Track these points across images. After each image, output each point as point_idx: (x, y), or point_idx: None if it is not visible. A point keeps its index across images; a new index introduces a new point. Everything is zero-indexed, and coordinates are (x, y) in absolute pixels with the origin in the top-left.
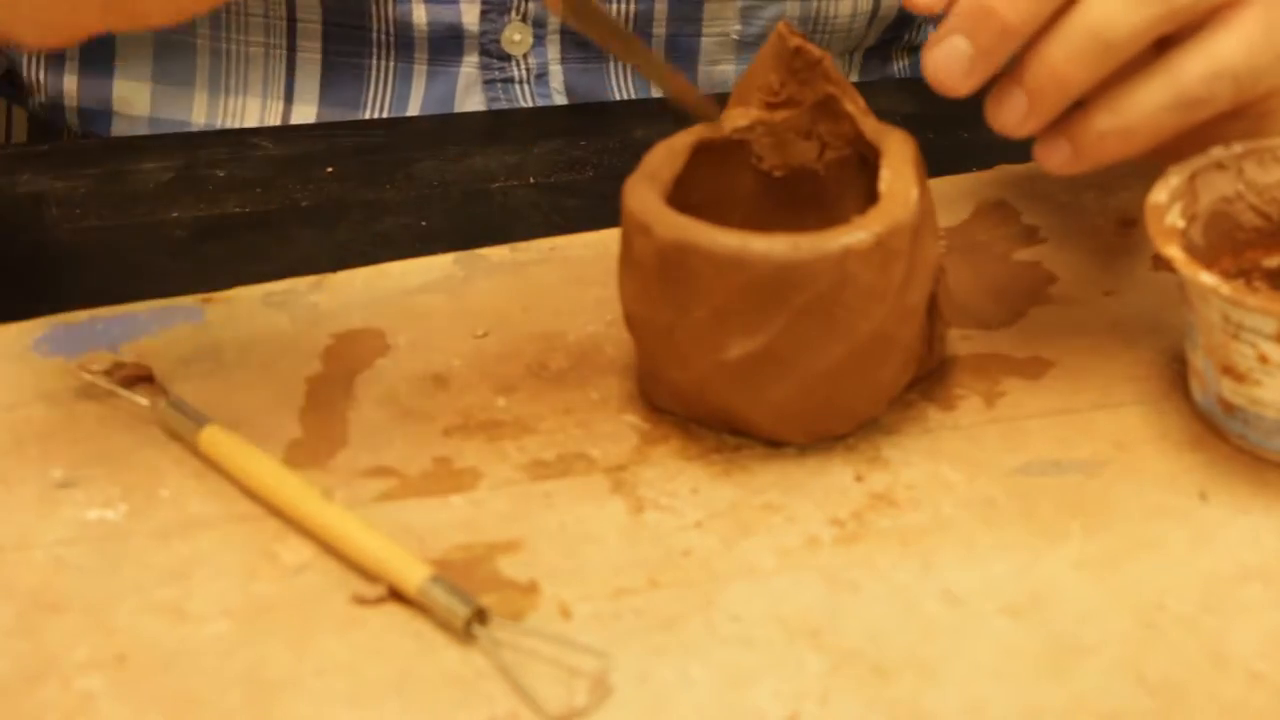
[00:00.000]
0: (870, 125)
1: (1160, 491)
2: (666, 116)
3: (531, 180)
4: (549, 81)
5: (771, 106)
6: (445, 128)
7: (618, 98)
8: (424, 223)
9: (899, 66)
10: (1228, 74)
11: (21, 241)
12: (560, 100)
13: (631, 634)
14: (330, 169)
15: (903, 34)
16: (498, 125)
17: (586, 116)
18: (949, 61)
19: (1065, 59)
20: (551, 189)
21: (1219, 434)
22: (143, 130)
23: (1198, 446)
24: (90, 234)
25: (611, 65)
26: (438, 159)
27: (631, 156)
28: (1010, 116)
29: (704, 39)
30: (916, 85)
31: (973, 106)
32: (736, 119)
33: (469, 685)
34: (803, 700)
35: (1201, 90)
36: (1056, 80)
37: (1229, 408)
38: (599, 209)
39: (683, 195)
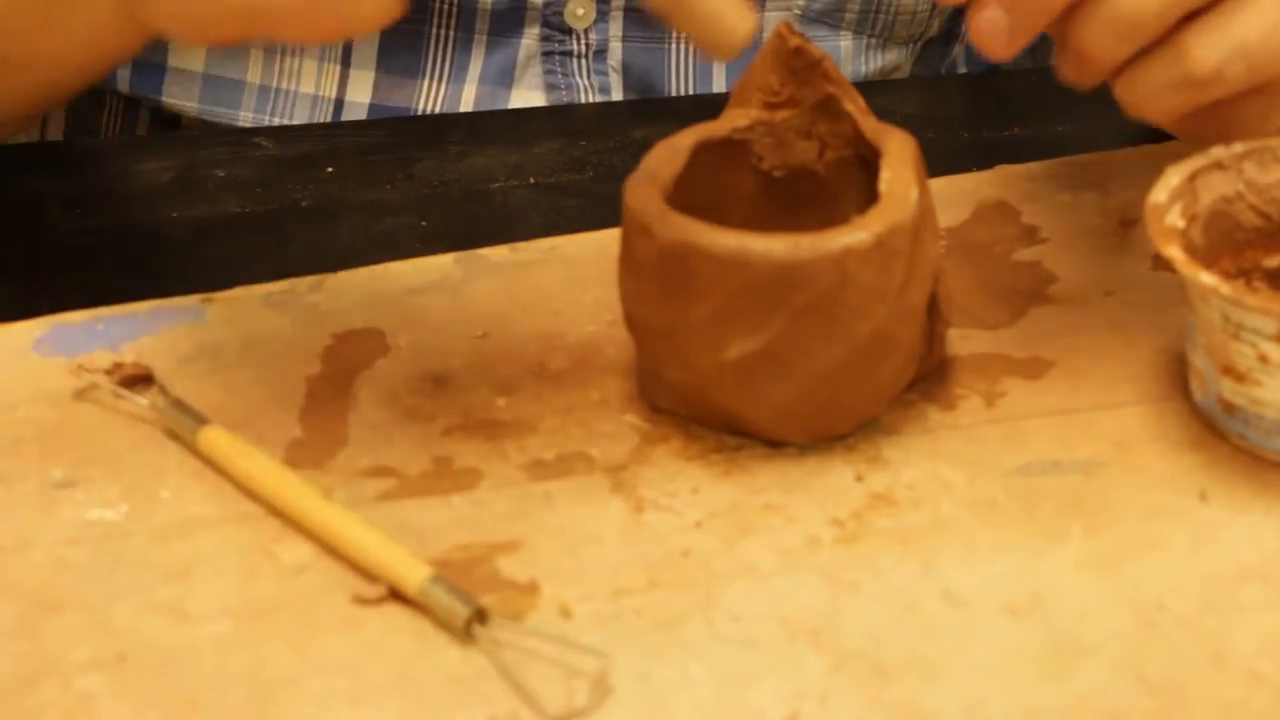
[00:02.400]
0: (870, 125)
1: (1160, 491)
2: (666, 117)
3: (531, 180)
4: (607, 59)
5: (771, 106)
6: (445, 127)
7: (674, 81)
8: (424, 223)
9: (955, 58)
10: (1240, 54)
11: (21, 241)
12: (615, 79)
13: (631, 634)
14: (330, 169)
15: (962, 24)
16: (498, 125)
17: (586, 116)
18: (990, 29)
19: (1096, 36)
20: (551, 189)
21: (1219, 434)
22: (195, 89)
23: (1198, 447)
24: (90, 234)
25: (672, 47)
26: (438, 159)
27: (631, 156)
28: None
29: (767, 13)
30: (917, 85)
31: (972, 106)
32: (737, 119)
33: (469, 685)
34: (803, 700)
35: (1212, 70)
36: (1086, 57)
37: (1229, 408)
38: (599, 209)
39: (683, 195)
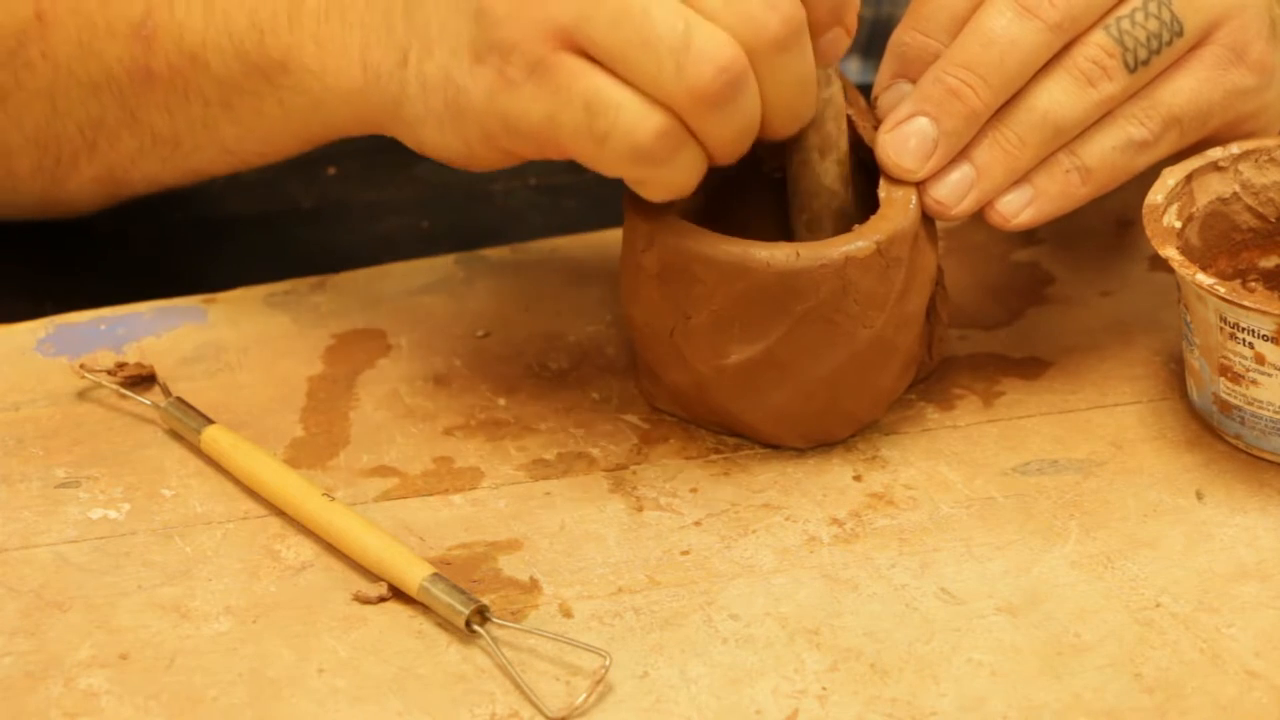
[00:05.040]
0: (870, 130)
1: (1157, 491)
2: None
3: (532, 181)
4: None
5: None
6: None
7: None
8: (425, 223)
9: None
10: (1171, 120)
11: (25, 242)
12: None
13: (631, 632)
14: (332, 170)
15: None
16: None
17: None
18: (915, 143)
19: (1018, 141)
20: (551, 189)
21: (1216, 434)
22: None
23: (1194, 446)
24: (93, 235)
25: None
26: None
27: None
28: (954, 192)
29: None
30: None
31: None
32: None
33: (470, 683)
34: (802, 698)
35: (1147, 135)
36: (1007, 159)
37: (1226, 407)
38: (599, 209)
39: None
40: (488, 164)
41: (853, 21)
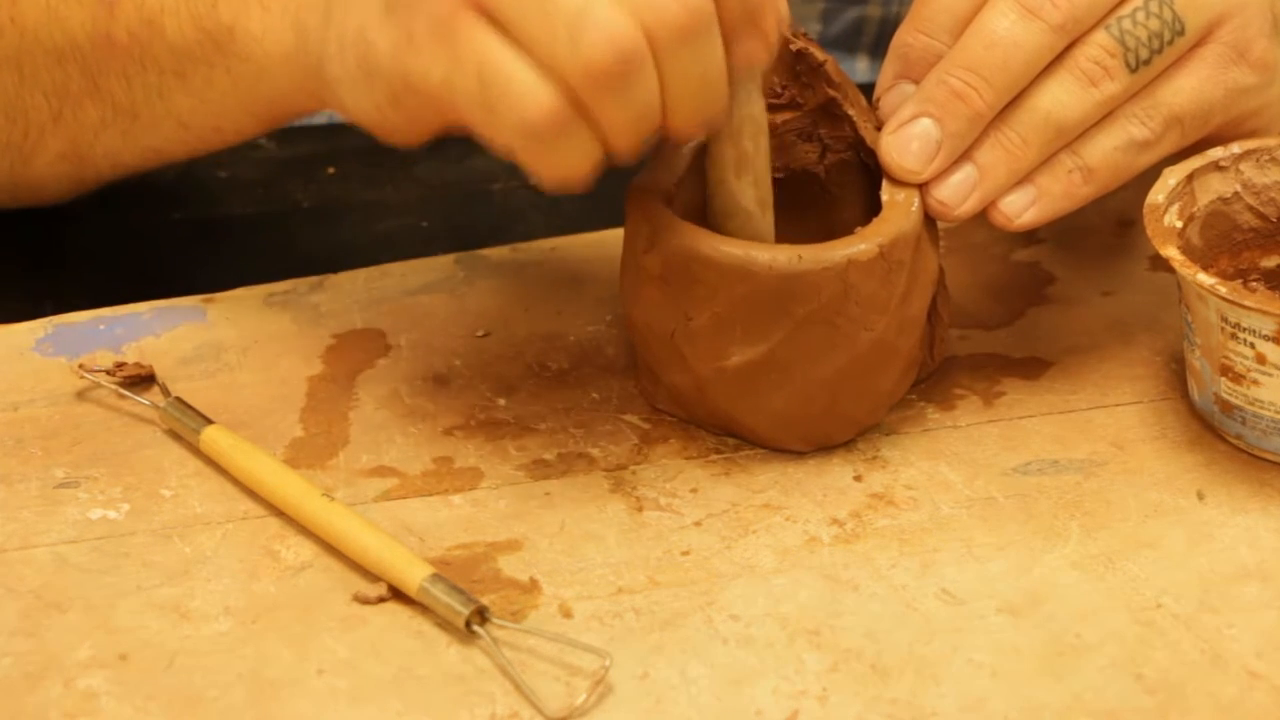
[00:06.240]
0: (871, 130)
1: (1158, 491)
2: None
3: (532, 181)
4: None
5: (773, 108)
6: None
7: None
8: (425, 223)
9: None
10: (1173, 119)
11: (25, 242)
12: None
13: (631, 633)
14: (331, 169)
15: None
16: None
17: None
18: (918, 145)
19: (1020, 141)
20: None
21: (1217, 434)
22: None
23: (1195, 446)
24: (93, 235)
25: None
26: (438, 159)
27: None
28: (957, 193)
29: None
30: None
31: None
32: None
33: (470, 684)
34: (802, 698)
35: (1149, 134)
36: (1010, 160)
37: (1227, 407)
38: (599, 209)
39: (685, 196)
40: (402, 131)
41: (771, 32)
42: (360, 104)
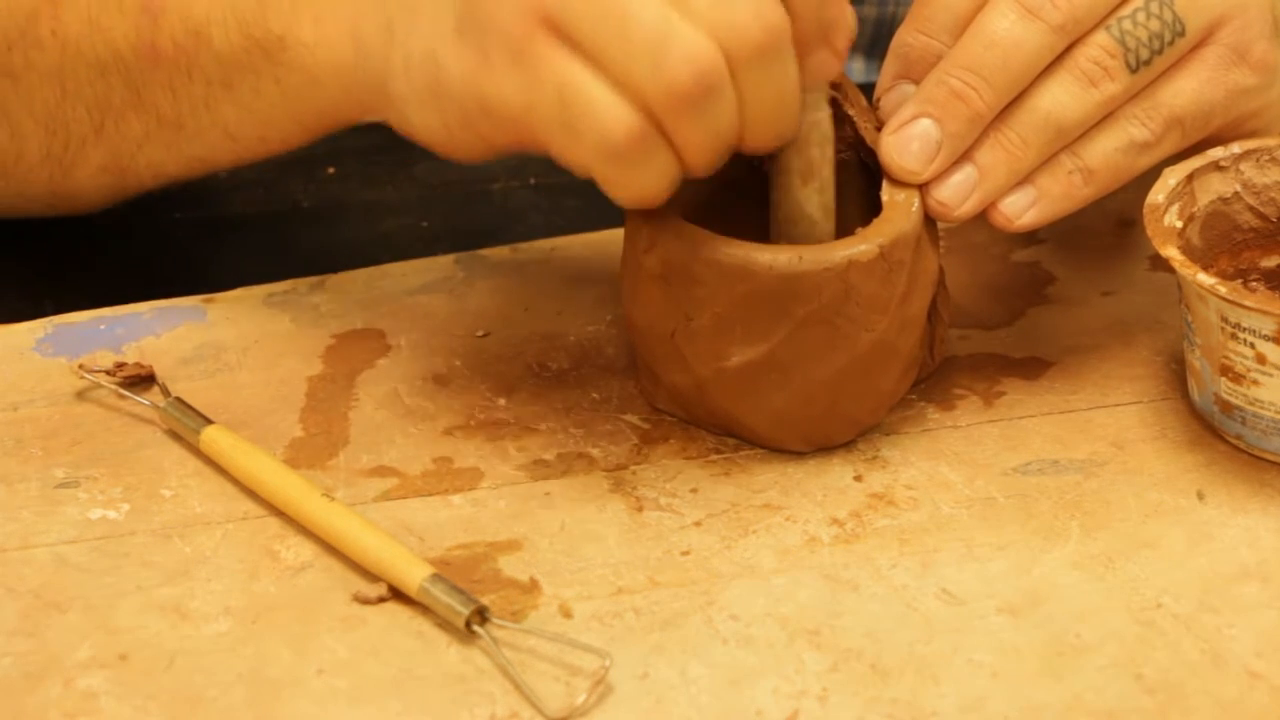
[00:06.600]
0: (872, 131)
1: (1158, 491)
2: None
3: (531, 181)
4: None
5: None
6: None
7: None
8: (425, 223)
9: None
10: (1173, 120)
11: (25, 242)
12: None
13: (631, 633)
14: (331, 169)
15: None
16: None
17: None
18: (918, 145)
19: (1021, 142)
20: (551, 189)
21: (1217, 434)
22: None
23: (1195, 446)
24: (93, 234)
25: None
26: (438, 159)
27: None
28: (957, 193)
29: None
30: None
31: None
32: None
33: (470, 684)
34: (802, 699)
35: (1149, 135)
36: (1010, 160)
37: (1227, 407)
38: (599, 209)
39: (686, 196)
40: (470, 150)
41: (843, 45)
42: (428, 123)
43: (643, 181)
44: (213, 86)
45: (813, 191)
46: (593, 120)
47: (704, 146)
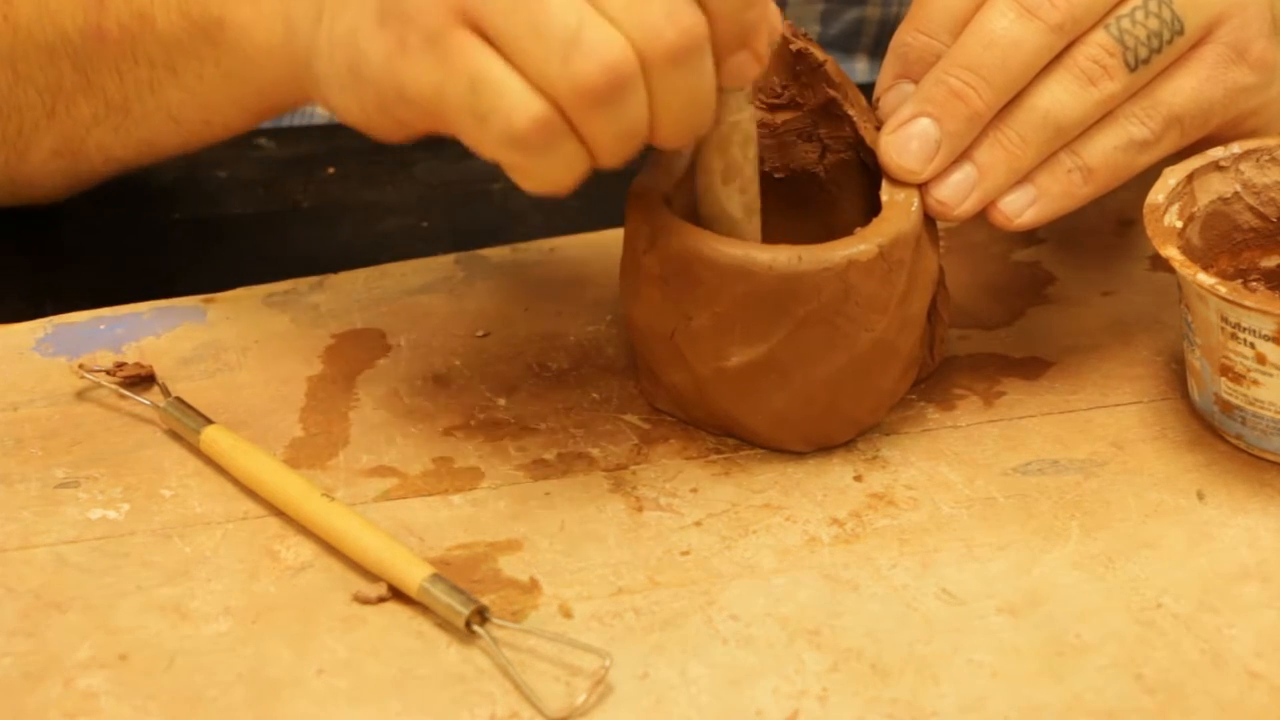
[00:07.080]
0: (871, 130)
1: (1158, 491)
2: None
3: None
4: None
5: (773, 108)
6: None
7: None
8: (424, 223)
9: None
10: (1172, 119)
11: (25, 242)
12: None
13: (631, 633)
14: (331, 169)
15: None
16: None
17: None
18: (917, 144)
19: (1020, 141)
20: None
21: (1217, 434)
22: None
23: (1195, 446)
24: (93, 234)
25: None
26: (438, 159)
27: None
28: (957, 192)
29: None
30: None
31: None
32: None
33: (470, 684)
34: (802, 698)
35: (1148, 134)
36: (1009, 159)
37: (1227, 407)
38: (599, 209)
39: (686, 196)
40: (387, 132)
41: (762, 47)
42: (347, 104)
43: (548, 171)
44: (156, 69)
45: (734, 191)
46: (501, 110)
47: (612, 142)
